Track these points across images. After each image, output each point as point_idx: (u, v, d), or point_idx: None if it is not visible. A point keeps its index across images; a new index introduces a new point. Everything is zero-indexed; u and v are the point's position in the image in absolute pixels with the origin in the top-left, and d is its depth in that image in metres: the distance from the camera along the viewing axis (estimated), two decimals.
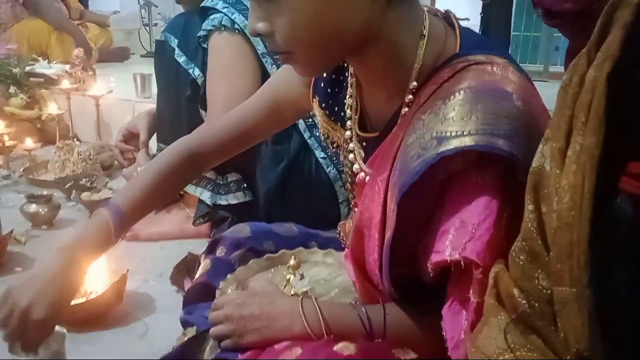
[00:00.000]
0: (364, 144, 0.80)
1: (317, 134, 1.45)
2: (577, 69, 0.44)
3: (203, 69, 1.44)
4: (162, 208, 1.58)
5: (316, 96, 0.87)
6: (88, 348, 1.04)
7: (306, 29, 0.65)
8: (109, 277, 1.18)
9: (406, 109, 0.71)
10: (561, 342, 0.43)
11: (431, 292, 0.68)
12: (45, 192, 1.62)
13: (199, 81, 1.45)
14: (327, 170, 1.47)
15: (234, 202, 1.46)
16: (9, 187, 1.91)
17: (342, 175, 1.49)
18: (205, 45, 1.42)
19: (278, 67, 1.43)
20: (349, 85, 0.81)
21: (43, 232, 1.55)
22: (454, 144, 0.58)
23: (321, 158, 1.46)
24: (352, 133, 0.81)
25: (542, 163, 0.46)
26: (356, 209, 0.81)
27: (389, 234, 0.65)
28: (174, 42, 1.47)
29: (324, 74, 0.84)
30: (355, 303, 0.82)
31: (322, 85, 0.85)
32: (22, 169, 1.99)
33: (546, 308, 0.44)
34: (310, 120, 1.44)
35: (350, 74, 0.81)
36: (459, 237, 0.58)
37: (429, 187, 0.62)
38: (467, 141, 0.58)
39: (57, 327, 0.90)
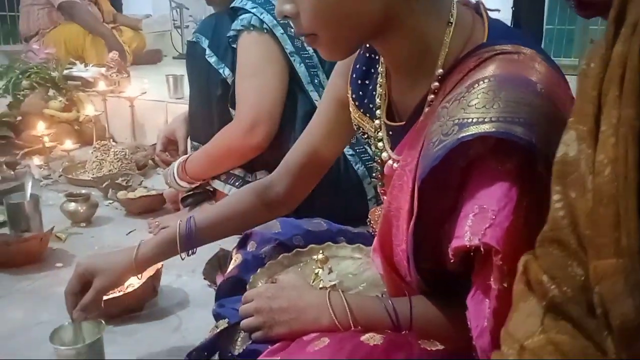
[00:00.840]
0: (391, 132, 0.81)
1: None
2: (595, 52, 0.44)
3: (233, 68, 1.47)
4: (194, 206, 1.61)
5: (350, 89, 0.89)
6: (124, 339, 1.08)
7: (328, 11, 0.67)
8: (145, 271, 1.21)
9: (432, 96, 0.72)
10: (596, 324, 0.42)
11: (457, 283, 0.68)
12: (83, 191, 1.68)
13: (229, 80, 1.48)
14: (356, 168, 1.48)
15: None
16: (49, 186, 1.98)
17: (371, 172, 1.50)
18: (235, 45, 1.45)
19: (306, 65, 1.44)
20: (379, 74, 0.83)
21: (82, 229, 1.60)
22: (473, 130, 0.59)
23: (349, 155, 1.47)
24: (380, 122, 0.82)
25: (565, 151, 0.46)
26: (384, 198, 0.82)
27: (412, 221, 0.66)
28: (204, 43, 1.51)
29: (357, 66, 0.87)
30: (383, 295, 0.83)
31: (354, 76, 0.88)
32: (61, 169, 2.06)
33: (579, 294, 0.44)
34: None
35: (381, 63, 0.82)
36: (478, 222, 0.58)
37: (449, 173, 0.63)
38: (486, 127, 0.59)
39: (96, 320, 0.95)
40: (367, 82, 0.86)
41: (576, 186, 0.44)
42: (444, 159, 0.60)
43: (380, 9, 0.68)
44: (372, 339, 0.71)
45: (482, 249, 0.57)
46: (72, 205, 1.61)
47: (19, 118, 2.41)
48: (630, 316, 0.39)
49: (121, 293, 1.16)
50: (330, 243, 1.09)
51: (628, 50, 0.41)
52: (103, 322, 0.95)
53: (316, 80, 1.45)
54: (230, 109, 1.49)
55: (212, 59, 1.49)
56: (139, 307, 1.17)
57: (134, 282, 1.18)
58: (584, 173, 0.43)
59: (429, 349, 0.70)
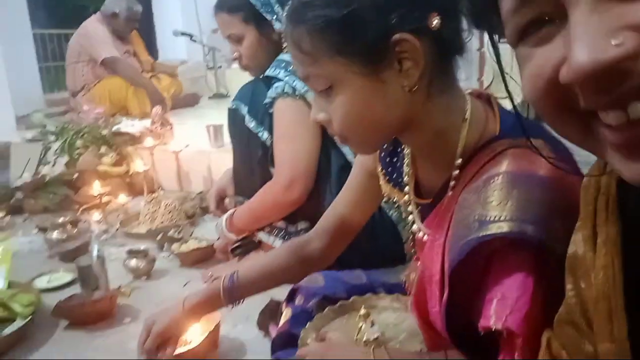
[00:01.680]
0: (420, 207, 0.91)
1: None
2: (592, 171, 0.55)
3: (271, 131, 1.61)
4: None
5: (380, 165, 1.00)
6: None
7: (354, 120, 0.79)
8: (205, 325, 1.35)
9: (453, 182, 0.81)
10: None
11: (487, 343, 0.78)
12: (142, 247, 1.84)
13: (268, 143, 1.62)
14: (390, 213, 1.58)
15: None
16: (108, 241, 2.16)
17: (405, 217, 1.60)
18: (271, 111, 1.59)
19: None
20: (405, 155, 0.94)
21: (143, 283, 1.76)
22: (492, 229, 0.69)
23: (383, 202, 1.58)
24: (409, 198, 0.93)
25: (575, 249, 0.56)
26: (418, 263, 0.93)
27: (445, 296, 0.76)
28: (244, 110, 1.66)
29: (385, 145, 0.98)
30: (421, 350, 0.94)
31: (383, 155, 0.99)
32: (119, 223, 2.24)
33: None
34: None
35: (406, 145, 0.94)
36: (500, 308, 0.68)
37: (474, 261, 0.72)
38: (503, 227, 0.68)
39: None
40: (395, 159, 0.98)
41: (585, 278, 0.54)
42: (468, 253, 0.70)
43: (401, 115, 0.78)
44: None
45: (504, 332, 0.67)
46: (133, 262, 1.77)
47: (76, 175, 2.61)
48: None
49: (186, 348, 1.29)
50: (370, 294, 1.20)
51: (609, 182, 0.52)
52: None
53: None
54: (270, 167, 1.63)
55: (252, 124, 1.64)
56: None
57: (196, 338, 1.31)
58: (590, 269, 0.53)
59: None
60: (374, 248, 1.58)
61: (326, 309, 1.15)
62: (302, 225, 1.64)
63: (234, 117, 1.70)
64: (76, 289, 1.67)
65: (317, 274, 1.27)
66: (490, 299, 0.70)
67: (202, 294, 1.12)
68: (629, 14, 0.34)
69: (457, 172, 0.81)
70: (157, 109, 2.82)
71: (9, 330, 1.42)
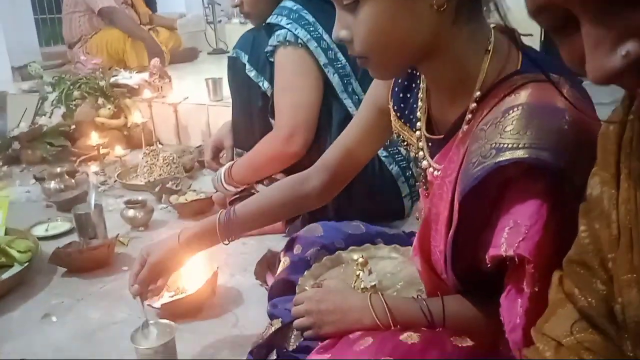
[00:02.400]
0: (430, 144, 0.89)
1: None
2: (614, 117, 0.54)
3: (271, 81, 1.58)
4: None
5: (392, 100, 0.98)
6: (189, 336, 1.22)
7: (378, 37, 0.76)
8: (202, 274, 1.35)
9: (470, 115, 0.79)
10: (616, 329, 0.53)
11: (490, 282, 0.77)
12: (140, 198, 1.83)
13: (268, 93, 1.59)
14: (390, 168, 1.57)
15: None
16: (106, 192, 2.15)
17: (405, 172, 1.59)
18: (272, 59, 1.55)
19: (339, 75, 1.54)
20: (419, 90, 0.91)
21: (140, 233, 1.76)
22: (508, 155, 0.68)
23: (383, 157, 1.56)
24: (420, 134, 0.91)
25: (590, 192, 0.56)
26: (426, 201, 0.91)
27: (451, 230, 0.75)
28: (244, 58, 1.62)
29: (399, 80, 0.95)
30: (418, 296, 0.94)
31: (396, 90, 0.97)
32: (116, 175, 2.22)
33: (601, 305, 0.55)
34: None
35: (422, 80, 0.91)
36: (513, 235, 0.67)
37: (487, 191, 0.71)
38: (520, 153, 0.67)
39: (166, 321, 1.09)
40: (408, 95, 0.95)
41: (600, 219, 0.55)
42: (482, 180, 0.69)
43: (426, 37, 0.76)
44: (409, 337, 0.82)
45: (515, 258, 0.66)
46: (131, 212, 1.76)
47: (73, 127, 2.58)
48: None
49: (183, 295, 1.30)
50: (369, 244, 1.20)
51: (633, 122, 0.52)
52: (174, 323, 1.09)
53: (350, 89, 1.54)
54: (270, 119, 1.61)
55: (252, 73, 1.60)
56: (199, 307, 1.31)
57: (193, 285, 1.32)
58: (608, 208, 0.54)
59: (460, 345, 0.80)
60: (374, 203, 1.57)
61: (324, 258, 1.15)
62: None
63: (234, 66, 1.66)
64: (74, 238, 1.67)
65: (316, 224, 1.27)
66: (502, 228, 0.69)
67: (197, 227, 1.09)
68: (634, 22, 0.37)
69: (474, 105, 0.79)
70: (156, 61, 2.77)
71: (6, 275, 1.42)
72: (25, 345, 1.22)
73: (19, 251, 1.49)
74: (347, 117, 1.54)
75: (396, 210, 1.63)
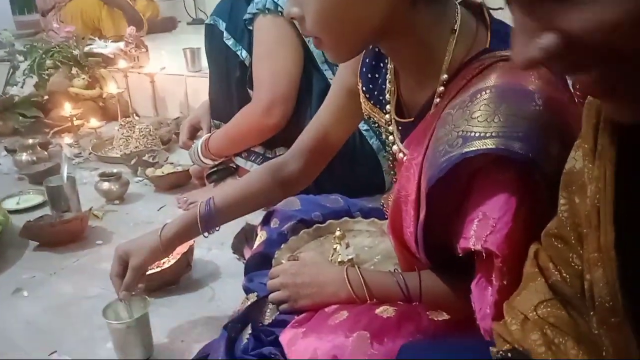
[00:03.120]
0: (400, 127, 0.87)
1: None
2: None
3: (250, 50, 1.52)
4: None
5: (360, 81, 0.95)
6: (165, 310, 1.20)
7: (329, 17, 0.72)
8: (178, 247, 1.32)
9: (438, 99, 0.77)
10: (585, 305, 0.52)
11: (462, 262, 0.77)
12: (114, 170, 1.78)
13: (247, 62, 1.54)
14: (371, 142, 1.55)
15: None
16: (80, 164, 2.10)
17: (385, 146, 1.57)
18: (251, 28, 1.50)
19: None
20: (387, 71, 0.88)
21: (116, 206, 1.72)
22: (476, 145, 0.65)
23: (364, 130, 1.54)
24: (390, 117, 0.89)
25: (573, 165, 0.55)
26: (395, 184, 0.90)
27: (421, 216, 0.74)
28: (222, 26, 1.56)
29: (367, 59, 0.92)
30: (395, 270, 0.93)
31: (364, 70, 0.93)
32: (90, 147, 2.17)
33: (576, 280, 0.54)
34: None
35: (389, 60, 0.87)
36: (481, 228, 0.66)
37: (455, 180, 0.69)
38: (488, 143, 0.64)
39: (141, 296, 1.07)
40: (376, 75, 0.92)
41: (580, 193, 0.53)
42: (449, 171, 0.67)
43: (382, 16, 0.72)
44: (385, 311, 0.81)
45: (483, 253, 0.65)
46: (105, 185, 1.72)
47: (46, 97, 2.51)
48: (606, 299, 0.49)
49: (159, 269, 1.27)
50: (347, 218, 1.18)
51: None
52: (148, 298, 1.07)
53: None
54: (248, 89, 1.56)
55: (230, 42, 1.55)
56: (175, 281, 1.28)
57: (169, 259, 1.29)
58: (586, 182, 0.52)
59: (435, 319, 0.80)
60: (354, 177, 1.55)
61: (301, 232, 1.13)
62: (280, 151, 1.58)
63: (211, 33, 1.60)
64: (46, 211, 1.63)
65: (293, 197, 1.25)
66: (472, 220, 0.68)
67: (178, 224, 1.05)
68: (555, 15, 0.38)
69: (442, 88, 0.76)
70: (132, 30, 2.68)
71: None
72: None
73: None
74: (327, 88, 1.50)
75: (376, 185, 1.61)
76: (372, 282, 0.87)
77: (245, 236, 1.40)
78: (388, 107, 0.88)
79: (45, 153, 2.07)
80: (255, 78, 1.51)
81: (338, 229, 1.06)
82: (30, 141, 2.07)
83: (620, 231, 0.48)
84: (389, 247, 1.07)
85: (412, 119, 0.83)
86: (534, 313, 0.56)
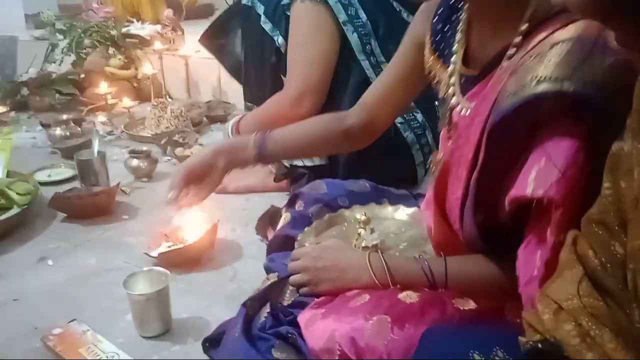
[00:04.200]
0: (464, 80, 0.83)
1: None
2: None
3: (286, 37, 1.48)
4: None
5: (430, 32, 0.92)
6: (186, 287, 1.19)
7: None
8: (203, 226, 1.32)
9: (513, 50, 0.72)
10: (627, 297, 0.49)
11: (502, 241, 0.73)
12: (144, 148, 1.79)
13: (282, 49, 1.50)
14: (405, 135, 1.50)
15: (309, 164, 1.52)
16: (112, 142, 2.12)
17: (420, 140, 1.53)
18: (289, 13, 1.47)
19: (359, 34, 1.45)
20: (460, 22, 0.84)
21: (144, 183, 1.73)
22: (550, 87, 0.61)
23: (399, 123, 1.49)
24: (454, 68, 0.84)
25: (621, 146, 0.51)
26: (449, 143, 0.85)
27: (476, 170, 0.70)
28: (260, 9, 1.53)
29: (440, 10, 0.90)
30: (420, 256, 0.90)
31: (436, 20, 0.90)
32: (123, 126, 2.19)
33: (618, 270, 0.50)
34: None
35: (464, 10, 0.84)
36: (544, 175, 0.62)
37: (519, 126, 0.65)
38: (565, 86, 0.60)
39: (160, 269, 1.06)
40: (447, 27, 0.88)
41: (626, 177, 0.50)
42: (517, 111, 0.63)
43: None
44: (408, 297, 0.78)
45: (544, 201, 0.61)
46: (134, 162, 1.73)
47: (82, 76, 2.54)
48: None
49: (181, 245, 1.27)
50: (373, 204, 1.15)
51: None
52: (169, 272, 1.06)
53: (367, 48, 1.46)
54: (283, 76, 1.54)
55: (267, 26, 1.52)
56: (198, 259, 1.28)
57: (193, 236, 1.29)
58: (634, 165, 0.48)
59: (461, 308, 0.76)
60: (386, 169, 1.51)
61: (326, 215, 1.11)
62: None
63: (248, 15, 1.58)
64: (76, 185, 1.64)
65: (320, 181, 1.23)
66: (530, 167, 0.64)
67: (231, 140, 1.09)
68: None
69: (519, 38, 0.72)
70: (169, 12, 2.70)
71: (4, 216, 1.40)
72: (19, 287, 1.20)
73: (18, 193, 1.46)
74: (365, 82, 1.46)
75: (408, 178, 1.57)
76: (395, 268, 0.85)
77: (270, 219, 1.39)
78: (454, 58, 0.84)
79: (79, 129, 2.09)
80: (289, 65, 1.48)
81: (363, 213, 1.03)
82: (65, 117, 2.10)
83: None
84: (415, 235, 1.04)
85: (478, 72, 0.80)
86: (570, 302, 0.52)
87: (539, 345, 0.53)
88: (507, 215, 0.67)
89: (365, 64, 1.47)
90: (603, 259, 0.52)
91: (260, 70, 1.63)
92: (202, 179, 1.04)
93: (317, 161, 1.53)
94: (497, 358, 0.56)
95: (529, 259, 0.65)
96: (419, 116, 1.50)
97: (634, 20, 0.41)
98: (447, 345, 0.60)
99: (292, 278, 0.92)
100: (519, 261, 0.67)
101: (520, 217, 0.67)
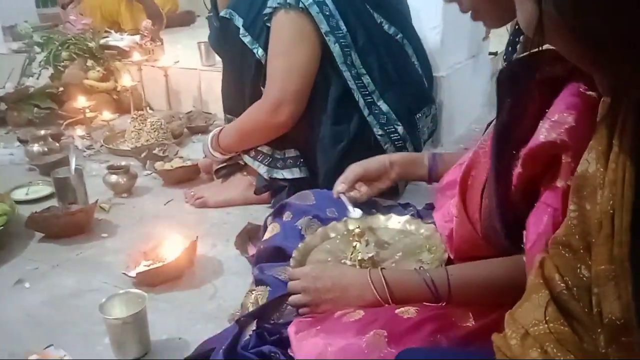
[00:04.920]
0: None
1: (376, 111, 1.47)
2: None
3: (266, 48, 1.46)
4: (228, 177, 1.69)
5: None
6: (165, 306, 1.18)
7: None
8: (181, 243, 1.31)
9: None
10: (592, 321, 0.48)
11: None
12: (123, 163, 1.77)
13: (263, 61, 1.48)
14: (385, 147, 1.49)
15: (289, 176, 1.51)
16: (92, 156, 2.09)
17: (401, 151, 1.52)
18: (269, 24, 1.44)
19: (340, 45, 1.43)
20: None
21: (123, 199, 1.70)
22: None
23: (379, 135, 1.48)
24: None
25: (586, 168, 0.51)
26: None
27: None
28: (238, 22, 1.50)
29: None
30: (420, 267, 0.88)
31: None
32: (102, 140, 2.16)
33: (584, 293, 0.50)
34: (369, 97, 1.47)
35: None
36: (557, 125, 0.63)
37: (527, 75, 0.67)
38: None
39: (137, 291, 1.05)
40: None
41: (590, 200, 0.49)
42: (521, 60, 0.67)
43: None
44: (406, 312, 0.77)
45: (557, 144, 0.62)
46: (113, 178, 1.71)
47: (61, 89, 2.51)
48: (617, 315, 0.45)
49: (160, 264, 1.26)
50: (364, 215, 1.13)
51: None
52: (146, 294, 1.05)
53: (349, 60, 1.45)
54: (261, 87, 1.52)
55: (247, 39, 1.48)
56: (177, 277, 1.26)
57: (172, 254, 1.28)
58: (597, 188, 0.48)
59: (459, 324, 0.76)
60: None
61: (319, 229, 1.09)
62: (290, 153, 1.53)
63: (226, 27, 1.56)
64: (54, 203, 1.62)
65: (307, 191, 1.22)
66: (545, 122, 0.64)
67: (405, 155, 1.17)
68: None
69: None
70: (147, 22, 2.68)
71: None
72: None
73: None
74: (345, 94, 1.45)
75: (391, 192, 1.56)
76: (397, 283, 0.84)
77: (248, 235, 1.38)
78: None
79: (57, 144, 2.07)
80: (268, 74, 1.46)
81: (357, 225, 1.02)
82: (42, 132, 2.07)
83: (635, 243, 0.44)
84: (409, 244, 1.03)
85: None
86: (536, 328, 0.51)
87: None
88: (517, 193, 0.68)
89: (346, 75, 1.46)
90: (569, 282, 0.52)
91: (240, 82, 1.61)
92: (372, 181, 1.14)
93: (296, 174, 1.52)
94: None
95: (538, 220, 0.65)
96: (400, 129, 1.49)
97: (622, 69, 0.40)
98: None
99: (292, 299, 0.90)
100: (528, 226, 0.67)
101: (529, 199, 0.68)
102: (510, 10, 0.76)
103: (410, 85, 1.57)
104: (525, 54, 0.68)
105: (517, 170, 0.68)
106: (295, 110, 1.45)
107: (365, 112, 1.47)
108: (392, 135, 1.50)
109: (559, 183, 0.62)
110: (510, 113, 0.69)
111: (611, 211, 0.46)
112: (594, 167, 0.50)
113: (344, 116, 1.47)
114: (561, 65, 0.64)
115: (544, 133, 0.64)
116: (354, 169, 1.13)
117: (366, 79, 1.47)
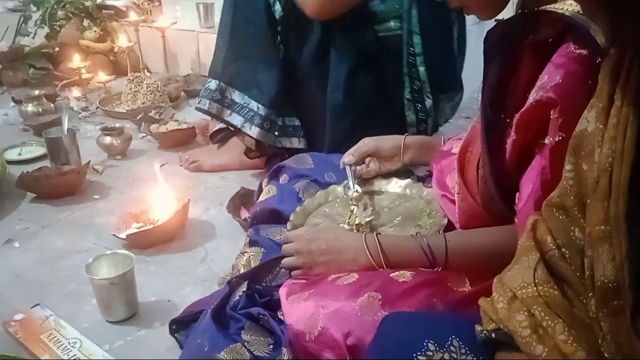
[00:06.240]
0: None
1: (414, 75, 1.41)
2: None
3: (285, 5, 1.37)
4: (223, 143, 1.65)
5: None
6: (155, 269, 1.16)
7: None
8: (173, 205, 1.29)
9: None
10: (583, 285, 0.47)
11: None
12: (118, 125, 1.74)
13: (277, 14, 1.38)
14: (407, 114, 1.44)
15: (287, 145, 1.47)
16: (87, 118, 2.06)
17: (419, 124, 1.47)
18: None
19: None
20: None
21: (117, 161, 1.68)
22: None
23: (406, 99, 1.43)
24: None
25: (585, 127, 0.48)
26: None
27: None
28: None
29: None
30: (417, 233, 0.87)
31: None
32: (98, 101, 2.13)
33: (576, 256, 0.48)
34: (412, 58, 1.42)
35: None
36: (545, 84, 0.62)
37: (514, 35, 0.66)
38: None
39: (125, 252, 1.03)
40: None
41: (588, 159, 0.47)
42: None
43: None
44: (402, 275, 0.76)
45: (543, 99, 0.61)
46: (107, 139, 1.68)
47: (57, 49, 2.46)
48: (610, 278, 0.43)
49: (151, 226, 1.24)
50: (363, 178, 1.10)
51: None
52: (134, 255, 1.03)
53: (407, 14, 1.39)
54: (281, 46, 1.42)
55: None
56: (168, 240, 1.24)
57: (163, 216, 1.26)
58: (596, 146, 0.46)
59: (455, 289, 0.74)
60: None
61: (318, 192, 1.07)
62: (289, 121, 1.48)
63: None
64: (47, 164, 1.60)
65: (305, 155, 1.19)
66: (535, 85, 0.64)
67: (418, 138, 1.11)
68: None
69: None
70: None
71: None
72: None
73: None
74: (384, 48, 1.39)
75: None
76: (392, 248, 0.82)
77: (241, 199, 1.35)
78: None
79: (52, 105, 2.03)
80: None
81: (356, 190, 1.00)
82: (37, 92, 2.03)
83: (633, 201, 0.41)
84: (410, 208, 1.01)
85: None
86: (524, 290, 0.49)
87: (493, 335, 0.50)
88: (512, 161, 0.67)
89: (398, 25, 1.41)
90: (562, 246, 0.50)
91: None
92: (382, 160, 1.09)
93: (295, 144, 1.48)
94: (452, 347, 0.54)
95: (530, 177, 0.64)
96: (429, 102, 1.44)
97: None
98: (404, 334, 0.58)
99: (285, 260, 0.89)
100: (521, 187, 0.66)
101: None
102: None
103: (448, 64, 1.51)
104: (514, 14, 0.66)
105: (512, 137, 0.67)
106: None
107: (405, 69, 1.41)
108: (418, 105, 1.45)
109: (547, 140, 0.61)
110: (499, 75, 0.67)
111: (609, 169, 0.44)
112: (593, 125, 0.47)
113: (370, 74, 1.40)
114: (551, 27, 0.62)
115: (533, 95, 0.63)
116: (368, 143, 1.09)
117: (417, 39, 1.40)
